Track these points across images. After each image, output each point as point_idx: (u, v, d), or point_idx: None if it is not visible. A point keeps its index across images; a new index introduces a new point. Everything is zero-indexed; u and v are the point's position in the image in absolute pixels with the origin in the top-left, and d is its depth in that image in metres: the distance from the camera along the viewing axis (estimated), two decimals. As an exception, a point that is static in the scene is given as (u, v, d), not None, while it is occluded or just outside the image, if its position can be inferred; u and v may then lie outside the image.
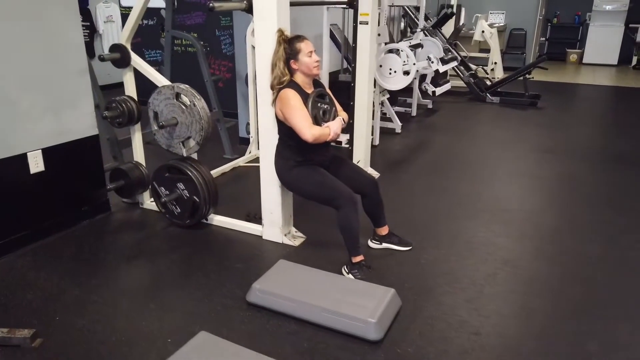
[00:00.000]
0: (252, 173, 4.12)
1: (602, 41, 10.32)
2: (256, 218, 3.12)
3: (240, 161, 4.33)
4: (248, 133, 4.57)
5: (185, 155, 2.98)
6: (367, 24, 3.61)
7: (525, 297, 2.42)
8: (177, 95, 2.87)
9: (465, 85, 7.13)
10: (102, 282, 2.52)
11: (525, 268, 2.68)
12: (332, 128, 2.53)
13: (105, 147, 3.44)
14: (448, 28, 7.43)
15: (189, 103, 2.85)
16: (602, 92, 7.95)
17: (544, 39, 11.19)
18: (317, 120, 2.54)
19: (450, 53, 6.02)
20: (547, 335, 2.14)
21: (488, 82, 7.38)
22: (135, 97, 3.16)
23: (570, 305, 2.36)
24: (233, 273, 2.61)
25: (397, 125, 5.35)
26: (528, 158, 4.59)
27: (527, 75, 6.81)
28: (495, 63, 8.01)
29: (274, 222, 2.91)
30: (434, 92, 5.92)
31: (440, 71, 5.22)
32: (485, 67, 7.98)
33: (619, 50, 10.25)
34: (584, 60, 10.60)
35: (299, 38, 2.51)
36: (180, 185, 2.99)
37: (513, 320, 2.25)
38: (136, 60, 3.08)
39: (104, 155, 3.32)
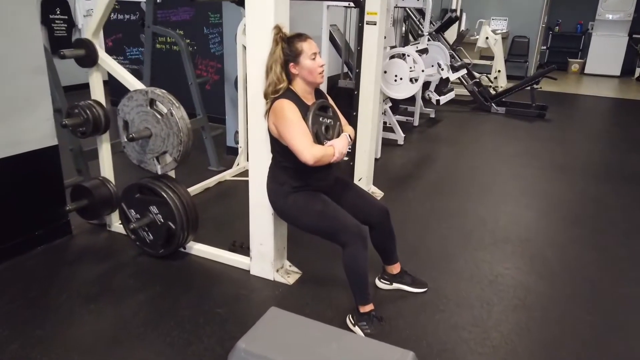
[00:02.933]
0: (240, 188, 3.66)
1: (605, 51, 10.02)
2: (243, 248, 2.66)
3: (227, 174, 3.86)
4: (236, 143, 4.10)
5: (159, 173, 2.50)
6: (374, 24, 3.17)
7: (571, 358, 1.99)
8: (152, 102, 2.39)
9: (468, 94, 6.73)
10: (49, 332, 2.04)
11: (564, 317, 2.25)
12: (337, 147, 2.07)
13: (68, 158, 2.96)
14: (448, 33, 7.01)
15: (165, 111, 2.37)
16: (609, 104, 7.62)
17: (545, 47, 10.87)
18: (319, 138, 2.09)
19: (455, 59, 5.62)
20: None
21: (492, 91, 7.00)
22: (103, 102, 2.67)
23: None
24: (213, 322, 2.14)
25: (399, 136, 4.92)
26: (542, 176, 4.18)
27: (535, 86, 6.43)
28: (499, 71, 7.63)
29: (264, 256, 2.45)
30: (438, 100, 5.50)
31: (451, 79, 4.80)
32: (488, 75, 7.59)
33: (622, 61, 9.96)
34: (586, 71, 10.29)
35: (300, 37, 2.06)
36: (154, 209, 2.52)
37: (560, 394, 1.81)
38: (104, 59, 2.59)
39: (65, 168, 2.84)
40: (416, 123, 5.77)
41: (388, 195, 3.60)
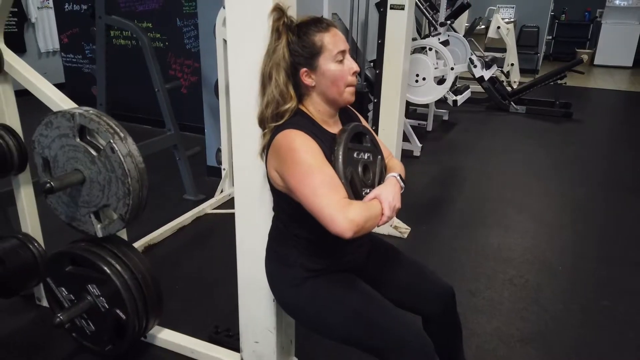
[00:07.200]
0: (224, 226, 2.83)
1: (616, 41, 9.31)
2: (230, 336, 1.83)
3: (208, 206, 3.02)
4: (219, 163, 3.26)
5: (100, 235, 1.65)
6: (402, 9, 2.35)
7: None
8: (82, 132, 1.55)
9: (482, 91, 5.93)
10: None
11: None
12: (385, 199, 1.22)
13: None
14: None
15: (103, 146, 1.53)
16: (634, 100, 6.89)
17: (550, 37, 10.13)
18: (355, 188, 1.26)
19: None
20: None
21: (508, 88, 6.23)
22: (17, 126, 1.82)
23: None
24: None
25: (415, 146, 4.11)
26: (602, 200, 3.39)
27: (559, 81, 5.67)
28: (512, 65, 6.85)
29: (261, 359, 1.63)
30: (455, 101, 4.68)
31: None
32: (502, 70, 6.81)
33: (635, 50, 9.27)
34: (596, 62, 9.57)
35: (318, 24, 1.23)
36: (93, 289, 1.67)
37: None
38: (13, 64, 1.72)
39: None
40: (430, 128, 4.97)
41: (416, 232, 2.80)
